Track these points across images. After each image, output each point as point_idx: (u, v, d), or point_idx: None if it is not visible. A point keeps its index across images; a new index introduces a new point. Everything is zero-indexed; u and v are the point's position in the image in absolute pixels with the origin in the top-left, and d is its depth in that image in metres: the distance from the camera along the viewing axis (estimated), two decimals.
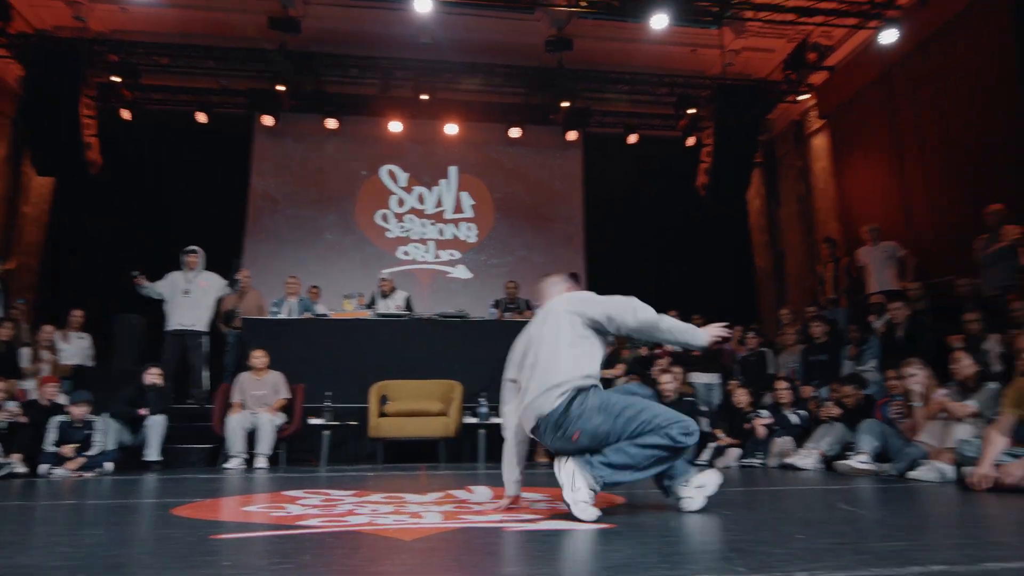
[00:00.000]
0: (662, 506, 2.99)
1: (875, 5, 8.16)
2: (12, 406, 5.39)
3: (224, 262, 7.34)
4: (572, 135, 10.78)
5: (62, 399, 5.69)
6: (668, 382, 5.91)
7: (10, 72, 9.13)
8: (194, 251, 7.03)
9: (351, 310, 7.28)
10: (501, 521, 2.39)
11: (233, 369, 7.03)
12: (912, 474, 3.97)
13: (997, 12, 6.90)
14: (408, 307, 7.69)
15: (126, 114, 9.64)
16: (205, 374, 6.91)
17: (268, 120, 10.03)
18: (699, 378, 7.09)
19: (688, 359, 7.15)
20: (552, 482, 4.02)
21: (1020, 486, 3.11)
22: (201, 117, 9.89)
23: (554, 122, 10.75)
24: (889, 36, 8.06)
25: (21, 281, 8.82)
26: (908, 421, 4.53)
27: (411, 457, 6.38)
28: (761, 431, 5.58)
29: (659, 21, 8.13)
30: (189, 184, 9.97)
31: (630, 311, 2.63)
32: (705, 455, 5.71)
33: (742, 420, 5.85)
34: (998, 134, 6.95)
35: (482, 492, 3.30)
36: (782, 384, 5.84)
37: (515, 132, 10.68)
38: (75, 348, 7.04)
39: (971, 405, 4.03)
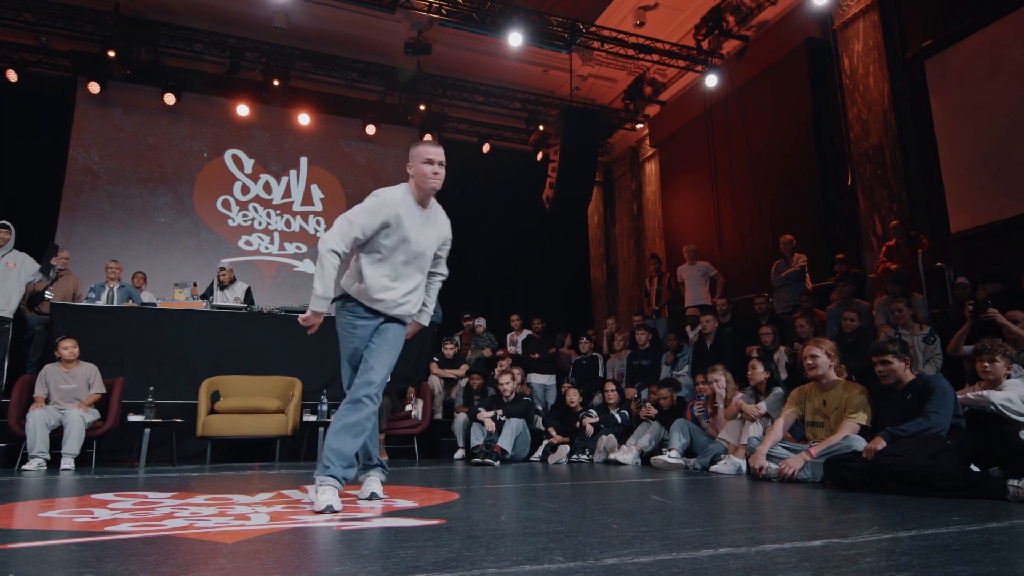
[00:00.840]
0: (495, 500, 3.20)
1: (702, 51, 9.22)
2: None
3: (33, 239, 6.52)
4: (428, 138, 10.89)
5: None
6: (507, 383, 6.23)
7: None
8: (5, 226, 6.14)
9: (183, 300, 6.81)
10: (333, 520, 2.36)
11: (37, 360, 6.26)
12: (714, 468, 4.53)
13: (798, 73, 8.15)
14: (248, 299, 7.34)
15: None
16: (4, 364, 6.09)
17: (94, 87, 9.05)
18: (537, 379, 7.53)
19: (528, 361, 7.57)
20: (391, 480, 4.11)
21: (797, 477, 3.64)
22: (11, 75, 8.68)
23: (411, 123, 10.82)
24: (711, 80, 9.19)
25: None
26: (712, 420, 5.20)
27: (245, 456, 6.13)
28: (589, 429, 6.06)
29: (515, 39, 8.56)
30: None
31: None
32: (538, 452, 6.10)
33: (573, 419, 6.30)
34: (794, 173, 8.21)
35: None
36: (610, 386, 6.39)
37: (371, 129, 10.59)
38: None
39: (762, 407, 4.67)
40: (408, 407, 6.54)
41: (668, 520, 2.34)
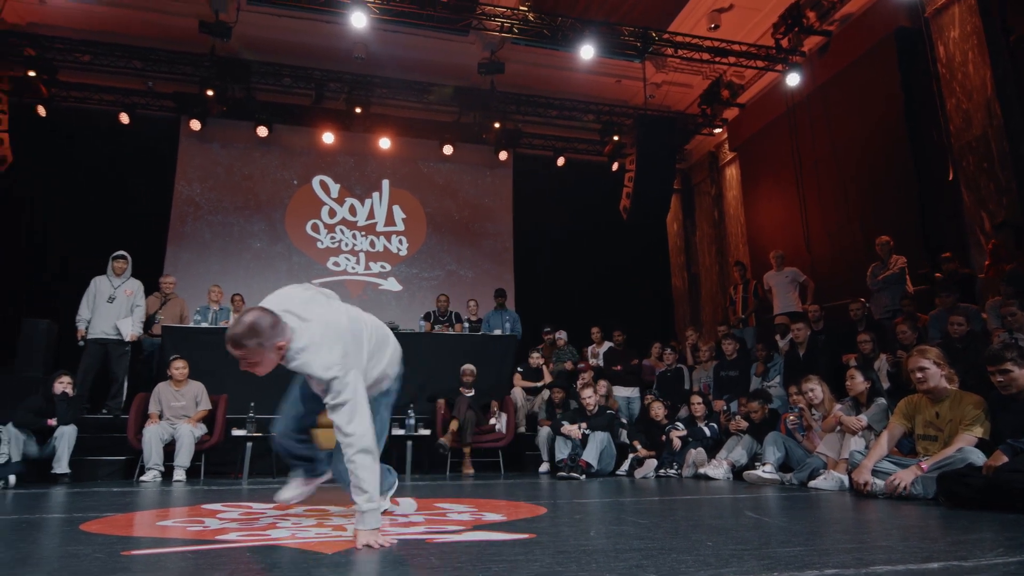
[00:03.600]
0: (583, 515, 3.17)
1: (781, 50, 8.91)
2: None
3: (144, 268, 7.07)
4: (503, 155, 11.08)
5: None
6: (590, 396, 6.18)
7: None
8: (123, 256, 6.74)
9: None
10: (424, 533, 2.40)
11: (151, 379, 6.77)
12: (812, 483, 4.31)
13: (887, 65, 7.73)
14: None
15: (41, 111, 9.14)
16: (125, 383, 6.63)
17: (195, 124, 9.76)
18: (620, 392, 7.43)
19: (610, 374, 7.49)
20: (478, 493, 4.16)
21: (907, 493, 3.39)
22: (124, 118, 9.52)
23: (486, 141, 11.01)
24: (793, 79, 8.85)
25: None
26: (807, 433, 4.96)
27: None
28: (677, 443, 5.92)
29: (587, 52, 8.57)
30: (110, 186, 9.54)
31: (346, 416, 2.20)
32: (624, 466, 6.00)
33: (659, 432, 6.17)
34: (887, 170, 7.76)
35: (407, 504, 3.27)
36: (697, 398, 6.22)
37: (447, 149, 10.85)
38: None
39: (863, 419, 4.41)
40: (492, 420, 6.61)
41: (766, 538, 2.25)
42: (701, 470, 5.45)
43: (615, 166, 11.12)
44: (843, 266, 8.21)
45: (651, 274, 12.05)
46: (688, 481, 5.34)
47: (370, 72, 9.91)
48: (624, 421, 6.59)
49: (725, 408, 6.40)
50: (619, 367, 7.54)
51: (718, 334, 7.90)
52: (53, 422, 5.39)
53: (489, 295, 8.95)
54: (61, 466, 5.31)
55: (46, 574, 1.77)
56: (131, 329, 6.58)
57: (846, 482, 4.09)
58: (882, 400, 4.49)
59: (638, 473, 5.82)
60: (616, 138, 10.95)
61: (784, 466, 4.88)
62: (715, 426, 5.95)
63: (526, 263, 11.22)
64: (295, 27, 9.21)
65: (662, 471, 5.81)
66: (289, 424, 2.78)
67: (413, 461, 6.17)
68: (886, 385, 5.17)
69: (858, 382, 4.64)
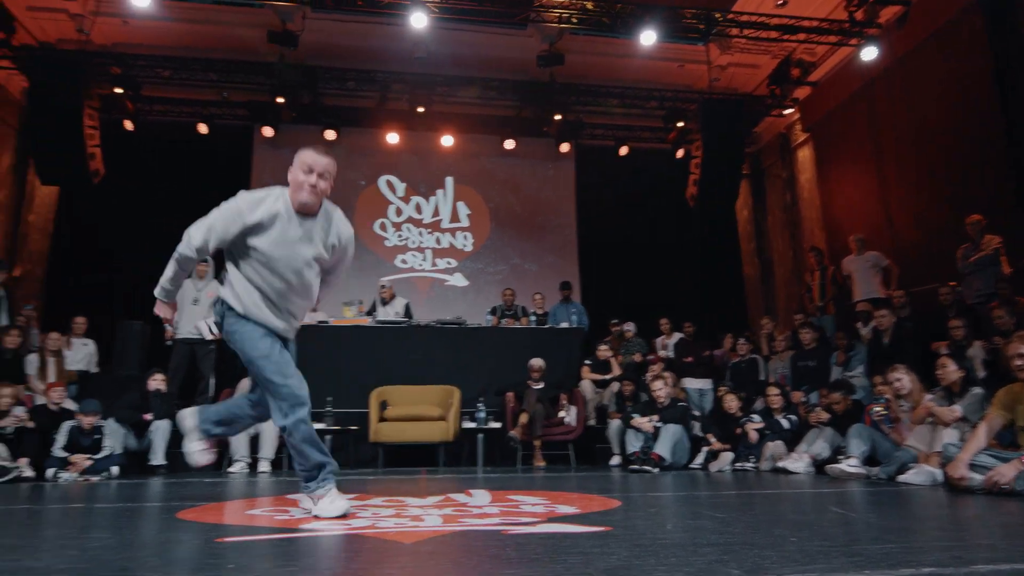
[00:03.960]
0: (658, 508, 3.13)
1: (856, 24, 8.45)
2: (20, 411, 5.46)
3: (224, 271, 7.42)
4: (565, 147, 11.01)
5: (69, 404, 5.78)
6: (661, 388, 6.08)
7: (14, 84, 9.23)
8: (205, 260, 7.12)
9: (351, 317, 7.41)
10: (499, 524, 2.42)
11: (236, 376, 7.11)
12: (902, 477, 4.10)
13: (974, 29, 7.20)
14: (407, 314, 7.83)
15: (128, 125, 9.74)
16: (212, 381, 7.01)
17: (268, 131, 10.18)
18: (691, 383, 7.28)
19: (681, 365, 7.35)
20: (550, 485, 4.16)
21: (1010, 488, 3.20)
22: (202, 128, 10.04)
23: (547, 134, 10.97)
24: (869, 53, 8.38)
25: (26, 289, 8.89)
26: (895, 425, 4.72)
27: (411, 461, 6.50)
28: (753, 435, 5.75)
29: (648, 37, 8.39)
30: (191, 193, 10.02)
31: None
32: (698, 459, 5.88)
33: (733, 425, 6.02)
34: (976, 145, 7.23)
35: (481, 496, 3.32)
36: (773, 390, 6.03)
37: (509, 144, 10.88)
38: (79, 354, 7.11)
39: (957, 410, 4.17)
40: (561, 413, 6.60)
41: (854, 534, 2.14)
42: (779, 464, 5.28)
43: (680, 153, 10.87)
44: (929, 249, 7.72)
45: (721, 263, 11.71)
46: (766, 475, 5.18)
47: (431, 71, 10.03)
48: (697, 413, 6.46)
49: (804, 399, 6.18)
50: (691, 358, 7.39)
51: (794, 323, 7.62)
52: (149, 417, 5.75)
53: (554, 288, 8.93)
54: (157, 458, 5.68)
55: (149, 558, 1.89)
56: (215, 328, 6.91)
57: (939, 476, 3.89)
58: (978, 389, 4.23)
59: (713, 467, 5.70)
60: (680, 124, 10.69)
61: (870, 460, 4.66)
62: (794, 418, 5.75)
63: (591, 255, 11.13)
64: (358, 31, 9.43)
65: (738, 465, 5.67)
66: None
67: (484, 454, 6.25)
68: (981, 374, 4.86)
69: (950, 371, 4.39)
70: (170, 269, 2.63)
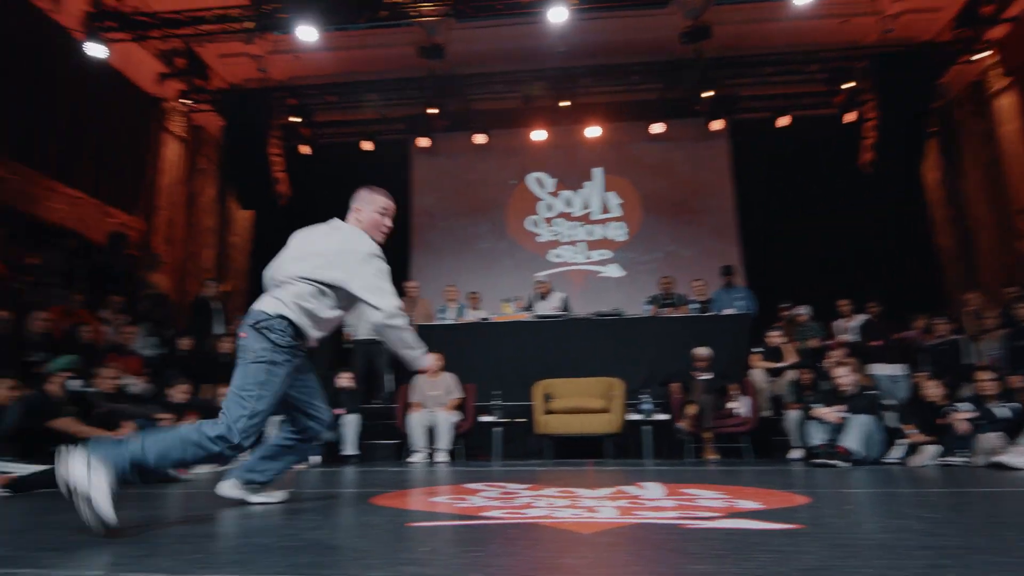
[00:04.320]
0: (853, 505, 2.87)
1: None
2: None
3: (393, 275, 7.99)
4: (717, 124, 10.47)
5: None
6: (844, 375, 5.57)
7: (212, 123, 10.64)
8: None
9: (511, 313, 7.61)
10: (676, 519, 2.36)
11: (411, 372, 7.61)
12: None
13: None
14: (565, 308, 7.90)
15: (305, 149, 10.84)
16: (389, 377, 7.57)
17: (424, 142, 10.83)
18: (881, 370, 6.59)
19: (869, 350, 6.68)
20: (725, 479, 3.98)
21: None
22: (366, 145, 10.90)
23: (697, 113, 10.51)
24: None
25: (234, 302, 10.22)
26: None
27: (577, 453, 6.54)
28: (963, 426, 5.09)
29: None
30: None
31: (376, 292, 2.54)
32: (896, 452, 5.31)
33: (933, 414, 5.37)
34: None
35: (654, 488, 3.25)
36: (985, 374, 5.28)
37: (657, 128, 10.57)
38: None
39: None
40: (732, 404, 6.29)
41: None
42: (997, 458, 4.62)
43: (849, 116, 9.88)
44: None
45: (907, 234, 10.45)
46: (981, 471, 4.56)
47: (572, 64, 10.02)
48: (888, 402, 5.83)
49: None
50: (879, 342, 6.68)
51: (1007, 297, 6.62)
52: (341, 411, 6.33)
53: (715, 273, 8.53)
54: (348, 448, 6.23)
55: (353, 539, 2.09)
56: None
57: None
58: None
59: (914, 461, 5.12)
60: (849, 85, 9.72)
61: None
62: (1016, 405, 5.01)
63: (754, 235, 10.48)
64: (499, 35, 9.65)
65: (945, 459, 5.05)
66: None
67: (653, 446, 6.13)
68: None
69: None
70: (406, 334, 2.64)
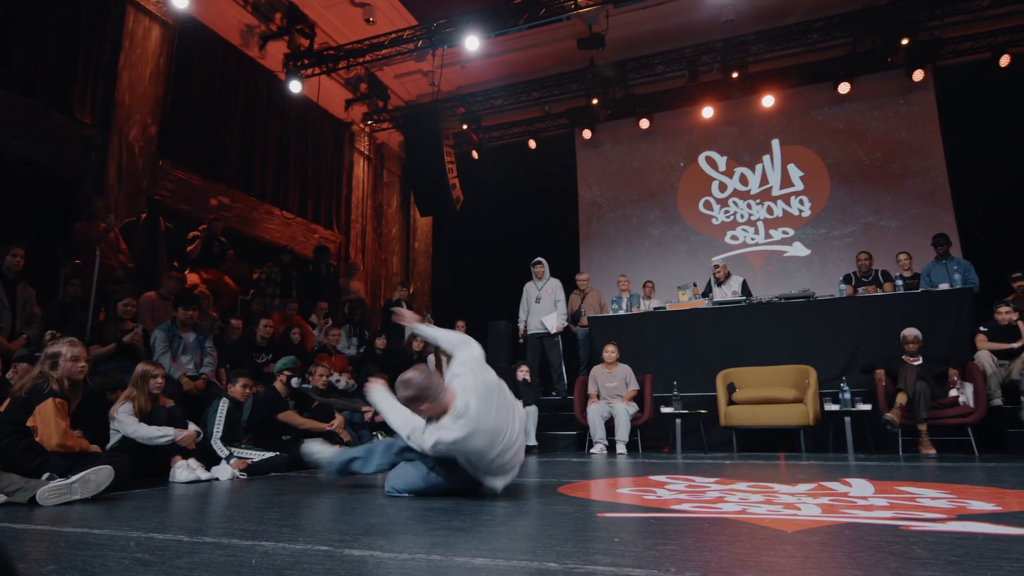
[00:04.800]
0: None
1: None
2: None
3: (560, 268, 8.15)
4: (918, 75, 9.23)
5: None
6: None
7: (393, 139, 11.59)
8: (539, 262, 7.89)
9: (686, 300, 7.35)
10: (893, 519, 2.14)
11: (586, 363, 7.68)
12: None
13: None
14: (745, 292, 7.46)
15: (475, 154, 11.39)
16: (562, 369, 7.71)
17: (587, 133, 10.86)
18: None
19: None
20: (948, 477, 3.52)
21: None
22: (531, 143, 11.18)
23: (892, 64, 9.34)
24: None
25: (419, 302, 11.07)
26: None
27: (766, 445, 6.16)
28: None
29: None
30: (528, 203, 11.31)
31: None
32: None
33: None
34: None
35: (861, 485, 3.00)
36: None
37: (844, 87, 9.58)
38: None
39: None
40: (952, 392, 5.52)
41: None
42: None
43: None
44: None
45: None
46: None
47: (741, 32, 9.41)
48: None
49: None
50: None
51: None
52: (520, 403, 6.56)
53: (924, 244, 7.51)
54: (530, 439, 6.43)
55: (547, 527, 2.14)
56: (556, 322, 7.60)
57: None
58: None
59: None
60: None
61: None
62: None
63: (971, 199, 9.05)
64: (659, 13, 9.37)
65: None
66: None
67: (854, 439, 5.58)
68: None
69: None
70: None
